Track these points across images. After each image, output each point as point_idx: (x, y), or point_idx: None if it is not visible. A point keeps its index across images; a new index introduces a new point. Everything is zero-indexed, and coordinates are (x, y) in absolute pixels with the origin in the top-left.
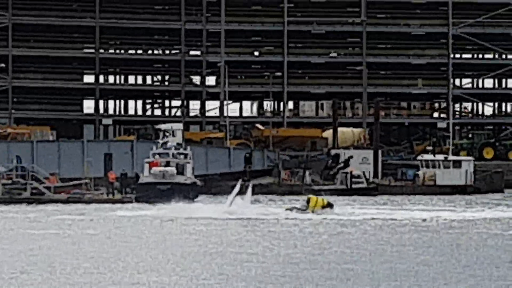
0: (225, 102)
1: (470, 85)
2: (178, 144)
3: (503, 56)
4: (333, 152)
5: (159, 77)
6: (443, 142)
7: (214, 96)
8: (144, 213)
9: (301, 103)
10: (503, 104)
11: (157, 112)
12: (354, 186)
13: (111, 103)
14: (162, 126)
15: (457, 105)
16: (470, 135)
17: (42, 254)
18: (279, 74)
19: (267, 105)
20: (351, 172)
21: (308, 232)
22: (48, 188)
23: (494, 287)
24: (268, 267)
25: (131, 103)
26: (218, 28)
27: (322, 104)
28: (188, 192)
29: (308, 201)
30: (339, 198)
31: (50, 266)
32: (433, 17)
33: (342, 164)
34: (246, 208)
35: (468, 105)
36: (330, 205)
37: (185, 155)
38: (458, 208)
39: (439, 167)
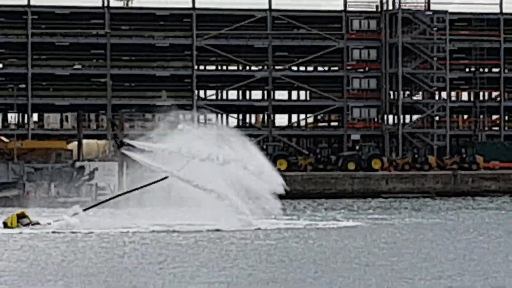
0: None
1: (214, 97)
2: None
3: (247, 68)
4: (78, 164)
5: None
6: None
7: None
8: None
9: (46, 115)
10: (247, 116)
11: None
12: (99, 198)
13: None
14: None
15: (201, 117)
16: None
17: None
18: (23, 86)
19: (11, 117)
20: (96, 184)
21: None
22: None
23: None
24: None
25: None
26: None
27: (66, 116)
28: None
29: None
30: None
31: None
32: (177, 29)
33: (87, 176)
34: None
35: (213, 117)
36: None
37: None
38: None
39: None
